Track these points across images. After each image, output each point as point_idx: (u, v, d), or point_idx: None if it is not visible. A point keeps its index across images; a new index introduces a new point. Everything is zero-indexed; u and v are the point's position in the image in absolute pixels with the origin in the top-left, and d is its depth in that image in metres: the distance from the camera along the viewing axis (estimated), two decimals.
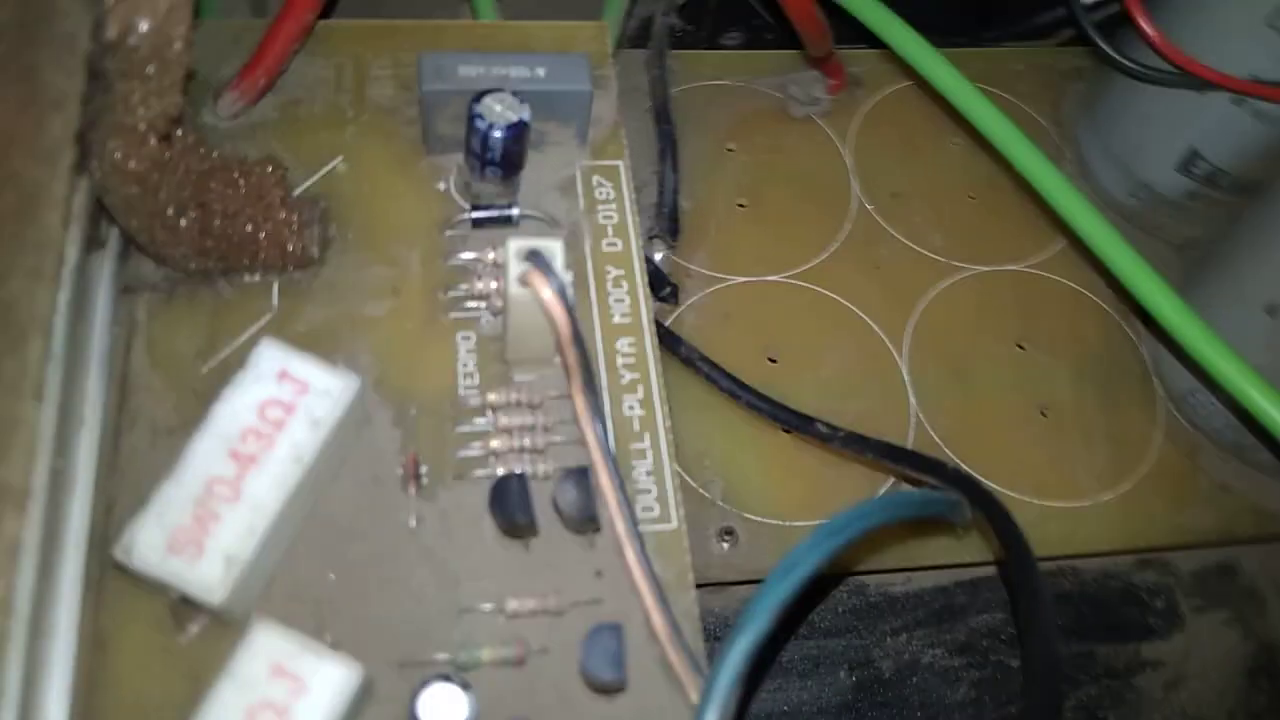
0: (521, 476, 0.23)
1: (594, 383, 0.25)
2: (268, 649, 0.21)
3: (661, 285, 0.35)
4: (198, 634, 0.22)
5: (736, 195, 0.38)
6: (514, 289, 0.23)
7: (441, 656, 0.23)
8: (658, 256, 0.37)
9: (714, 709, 0.19)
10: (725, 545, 0.32)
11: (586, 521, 0.24)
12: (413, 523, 0.24)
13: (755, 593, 0.21)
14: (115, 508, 0.23)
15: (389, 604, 0.23)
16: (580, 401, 0.24)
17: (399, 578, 0.24)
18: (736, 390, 0.33)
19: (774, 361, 0.35)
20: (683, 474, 0.33)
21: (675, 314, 0.36)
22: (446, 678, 0.21)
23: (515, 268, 0.23)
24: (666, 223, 0.36)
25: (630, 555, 0.24)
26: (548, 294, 0.23)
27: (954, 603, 0.35)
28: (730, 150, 0.39)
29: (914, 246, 0.38)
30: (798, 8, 0.31)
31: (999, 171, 0.39)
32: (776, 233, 0.38)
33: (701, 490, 0.33)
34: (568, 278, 0.24)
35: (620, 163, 0.30)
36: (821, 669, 0.34)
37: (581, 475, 0.23)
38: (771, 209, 0.38)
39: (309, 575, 0.23)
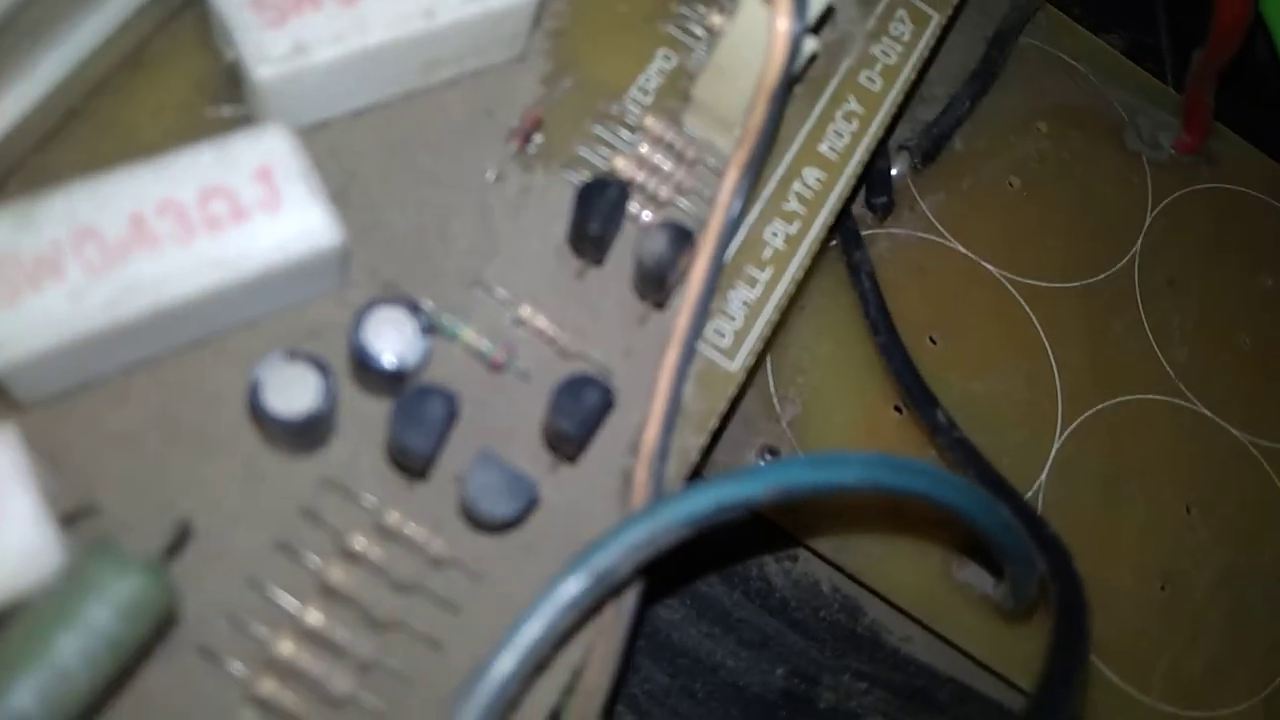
0: (625, 188, 0.20)
1: (758, 167, 0.21)
2: (269, 148, 0.18)
3: (881, 191, 0.31)
4: None
5: (1013, 171, 0.33)
6: (751, 2, 0.19)
7: (427, 304, 0.20)
8: (895, 170, 0.32)
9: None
10: (762, 462, 0.28)
11: (655, 284, 0.20)
12: (491, 176, 0.21)
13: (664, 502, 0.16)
14: None
15: (414, 227, 0.20)
16: (734, 174, 0.20)
17: (441, 213, 0.21)
18: (883, 331, 0.28)
19: (934, 343, 0.31)
20: (770, 371, 0.29)
21: (871, 231, 0.31)
22: (415, 309, 0.18)
23: None
24: (928, 143, 0.32)
25: (670, 357, 0.20)
26: (783, 25, 0.19)
27: (936, 695, 0.30)
28: (1038, 128, 0.34)
29: (1149, 338, 0.33)
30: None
31: None
32: (1024, 229, 0.33)
33: (775, 399, 0.29)
34: (810, 39, 0.20)
35: (936, 16, 0.26)
36: (763, 653, 0.29)
37: (682, 235, 0.20)
38: (1039, 206, 0.33)
39: (358, 142, 0.21)
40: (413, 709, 0.17)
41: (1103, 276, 0.33)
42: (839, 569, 0.29)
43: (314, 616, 0.17)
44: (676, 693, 0.29)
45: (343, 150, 0.21)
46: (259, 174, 0.18)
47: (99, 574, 0.14)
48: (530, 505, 0.17)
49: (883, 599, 0.29)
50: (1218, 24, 0.28)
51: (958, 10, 0.26)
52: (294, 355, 0.17)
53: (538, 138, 0.22)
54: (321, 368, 0.17)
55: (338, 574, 0.18)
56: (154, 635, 0.15)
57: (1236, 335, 0.34)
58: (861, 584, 0.29)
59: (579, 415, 0.18)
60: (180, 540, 0.16)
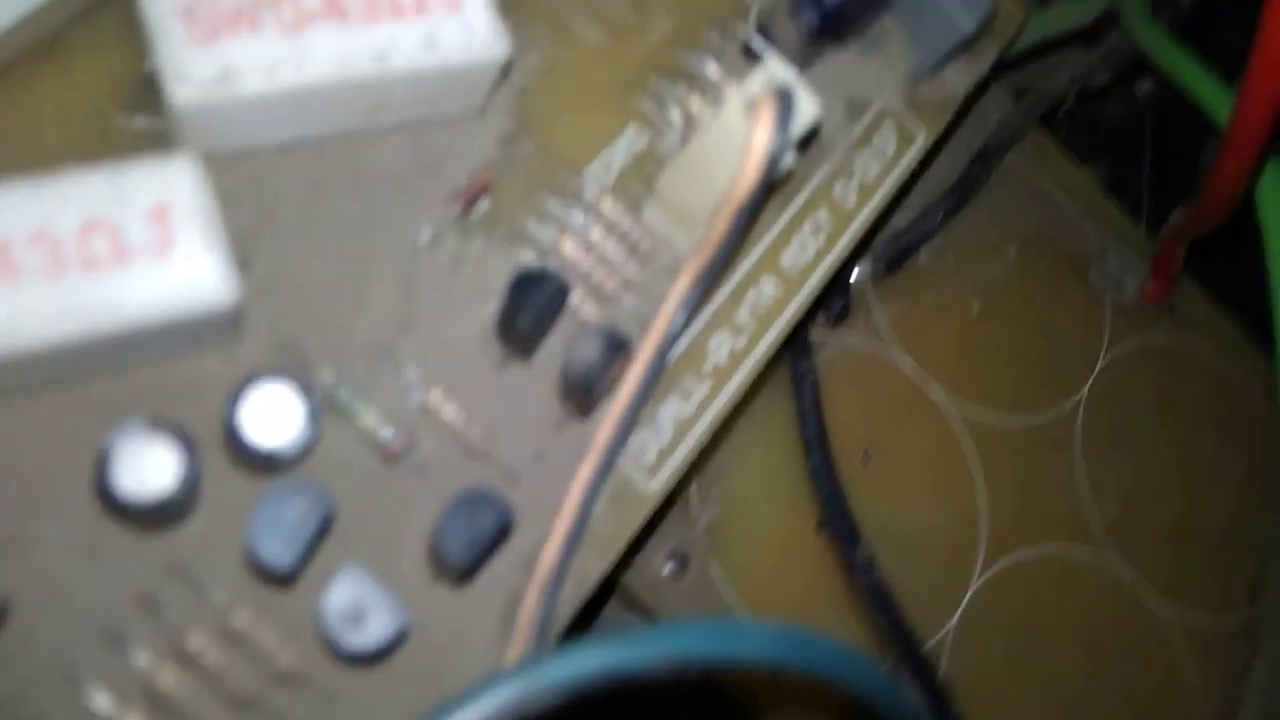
0: (565, 287, 0.18)
1: (712, 280, 0.19)
2: (170, 183, 0.16)
3: (838, 295, 0.29)
4: None
5: (976, 293, 0.32)
6: (732, 105, 0.18)
7: (327, 373, 0.18)
8: (855, 274, 0.31)
9: None
10: (666, 569, 0.27)
11: (581, 392, 0.18)
12: (425, 238, 0.19)
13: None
14: None
15: (327, 282, 0.18)
16: (684, 283, 0.19)
17: (360, 272, 0.19)
18: (816, 454, 0.27)
19: (867, 461, 0.29)
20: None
21: (821, 340, 0.30)
22: (307, 390, 0.16)
23: (754, 86, 0.18)
24: (894, 252, 0.31)
25: (585, 471, 0.18)
26: (761, 139, 0.17)
27: None
28: (1007, 252, 0.33)
29: (1084, 489, 0.32)
30: (1241, 149, 0.24)
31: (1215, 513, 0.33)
32: (977, 356, 0.32)
33: (693, 498, 0.27)
34: (789, 153, 0.18)
35: (923, 136, 0.24)
36: None
37: (617, 345, 0.18)
38: (995, 334, 0.32)
39: (281, 177, 0.19)
40: None
41: (1046, 417, 0.32)
42: None
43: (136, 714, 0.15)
44: None
45: (263, 183, 0.19)
46: (153, 212, 0.15)
47: None
48: (396, 640, 0.15)
49: None
50: (1203, 203, 0.27)
51: (947, 131, 0.25)
52: (156, 425, 0.15)
53: (484, 203, 0.20)
54: (186, 443, 0.15)
55: (167, 678, 0.15)
56: None
57: (1172, 499, 0.33)
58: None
59: (470, 540, 0.16)
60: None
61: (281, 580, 0.16)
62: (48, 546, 0.16)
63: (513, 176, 0.20)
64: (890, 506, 0.29)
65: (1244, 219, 0.30)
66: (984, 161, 0.32)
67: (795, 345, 0.28)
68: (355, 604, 0.15)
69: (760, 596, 0.27)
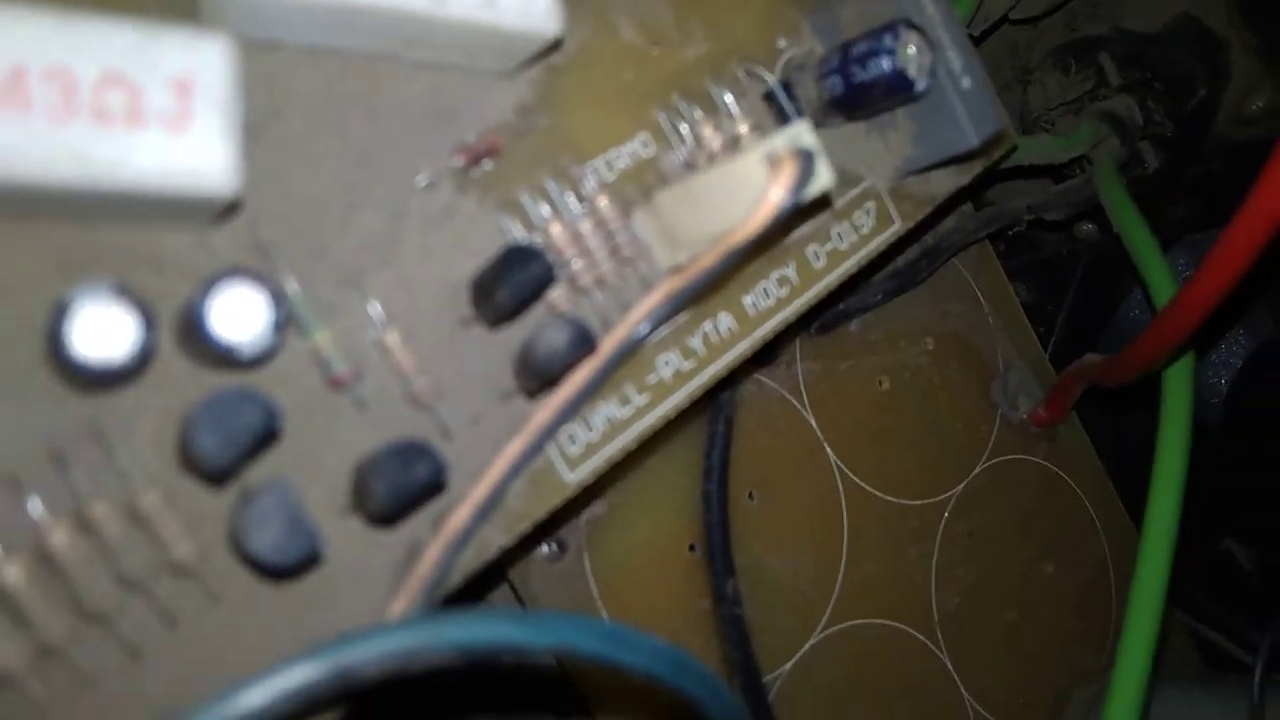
0: (551, 273, 0.18)
1: (684, 304, 0.20)
2: (202, 60, 0.15)
3: (775, 344, 0.30)
4: None
5: (888, 372, 0.34)
6: (755, 152, 0.18)
7: (293, 288, 0.17)
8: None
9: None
10: (545, 549, 0.27)
11: (536, 375, 0.18)
12: (422, 181, 0.19)
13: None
14: None
15: (317, 197, 0.18)
16: (658, 297, 0.19)
17: (352, 195, 0.18)
18: (714, 480, 0.28)
19: (752, 500, 0.30)
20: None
21: (743, 372, 0.31)
22: (279, 300, 0.16)
23: (780, 141, 0.18)
24: (829, 317, 0.32)
25: (515, 446, 0.19)
26: (776, 195, 0.18)
27: None
28: (926, 344, 0.35)
29: (931, 578, 0.33)
30: (1175, 323, 0.25)
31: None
32: (873, 431, 0.33)
33: (588, 498, 0.28)
34: (786, 212, 0.19)
35: (898, 224, 0.25)
36: None
37: (585, 340, 0.18)
38: (894, 415, 0.34)
39: (300, 80, 0.18)
40: (73, 711, 0.15)
41: (917, 504, 0.34)
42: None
43: (12, 573, 0.15)
44: None
45: (279, 82, 0.18)
46: (178, 84, 0.15)
47: None
48: (304, 565, 0.15)
49: None
50: (1119, 361, 0.29)
51: (919, 227, 0.26)
52: (122, 292, 0.15)
53: (486, 164, 0.20)
54: (147, 316, 0.15)
55: (60, 537, 0.15)
56: None
57: (1006, 608, 0.35)
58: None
59: (400, 487, 0.16)
60: None
61: (210, 477, 0.15)
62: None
63: (521, 147, 0.20)
64: (762, 546, 0.30)
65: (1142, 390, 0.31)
66: (932, 258, 0.33)
67: (724, 381, 0.28)
68: (273, 516, 0.15)
69: (622, 598, 0.27)
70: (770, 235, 0.21)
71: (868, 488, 0.33)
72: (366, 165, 0.19)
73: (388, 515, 0.17)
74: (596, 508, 0.28)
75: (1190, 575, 0.42)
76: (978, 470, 0.35)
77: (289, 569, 0.15)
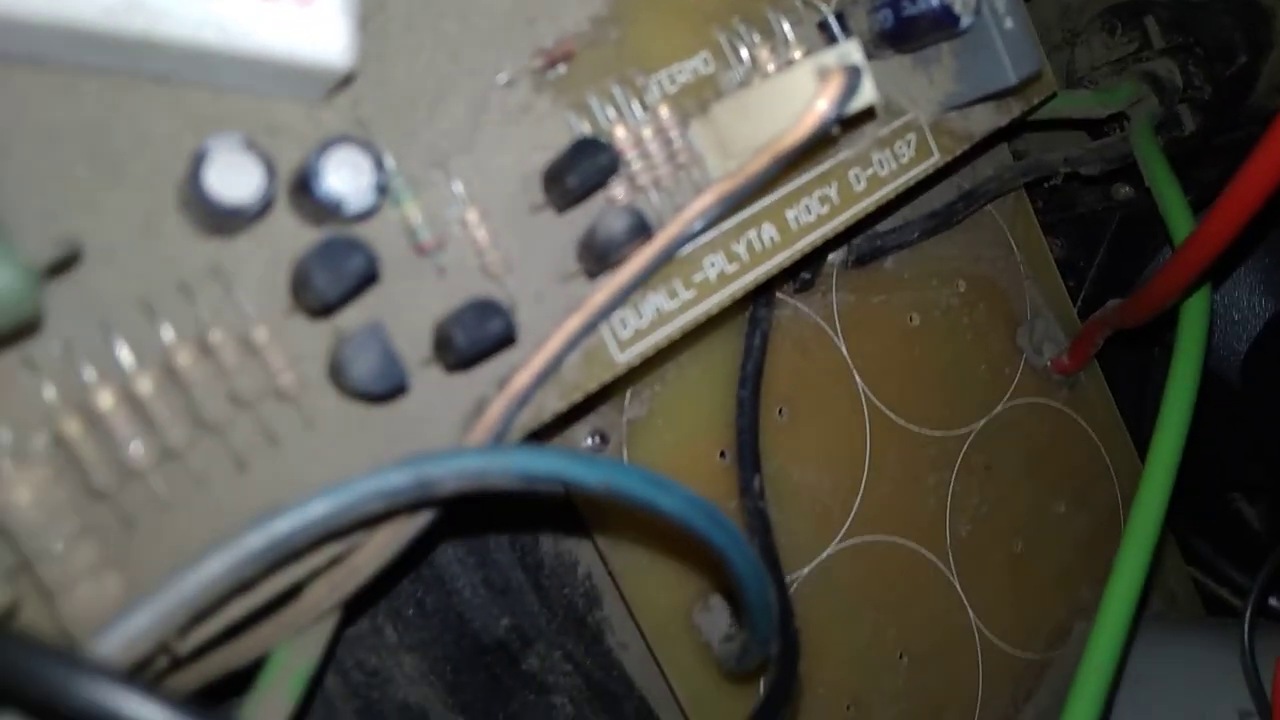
0: (617, 163, 0.20)
1: (733, 205, 0.22)
2: None
3: (808, 271, 0.32)
4: None
5: (919, 309, 0.36)
6: (805, 66, 0.20)
7: (389, 161, 0.20)
8: (830, 255, 0.34)
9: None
10: (588, 441, 0.29)
11: (597, 257, 0.21)
12: (503, 79, 0.21)
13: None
14: None
15: (413, 84, 0.20)
16: (710, 198, 0.21)
17: (442, 85, 0.21)
18: (748, 386, 0.30)
19: (781, 415, 0.32)
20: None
21: (782, 297, 0.33)
22: (380, 165, 0.18)
23: (829, 58, 0.20)
24: (867, 250, 0.34)
25: (574, 321, 0.21)
26: (823, 105, 0.20)
27: (623, 705, 0.32)
28: (958, 285, 0.37)
29: (946, 504, 0.36)
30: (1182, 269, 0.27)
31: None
32: (901, 363, 0.35)
33: (628, 393, 0.30)
34: (830, 122, 0.21)
35: (936, 157, 0.27)
36: (499, 599, 0.31)
37: (642, 227, 0.21)
38: (922, 350, 0.36)
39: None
40: (191, 511, 0.18)
41: (938, 434, 0.36)
42: (601, 558, 0.30)
43: (144, 385, 0.17)
44: (406, 597, 0.30)
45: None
46: None
47: None
48: (394, 393, 0.18)
49: (624, 602, 0.30)
50: (1137, 300, 0.31)
51: (954, 162, 0.28)
52: (251, 145, 0.17)
53: (561, 68, 0.22)
54: (270, 168, 0.17)
55: (185, 358, 0.18)
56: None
57: (1015, 539, 0.37)
58: (614, 580, 0.30)
59: (477, 336, 0.18)
60: (67, 262, 0.16)
61: (319, 309, 0.18)
62: (117, 215, 0.17)
63: (593, 54, 0.22)
64: (787, 459, 0.32)
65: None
66: (969, 201, 0.35)
67: (760, 294, 0.31)
68: (370, 347, 0.17)
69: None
70: (814, 146, 0.23)
71: (891, 415, 0.35)
72: (456, 61, 0.21)
73: (464, 360, 0.19)
74: (637, 409, 0.30)
75: (1199, 530, 0.44)
76: (999, 409, 0.37)
77: (381, 394, 0.18)
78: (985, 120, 0.28)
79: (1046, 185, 0.39)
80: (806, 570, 0.32)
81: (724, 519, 0.19)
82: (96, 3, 0.15)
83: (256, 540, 0.15)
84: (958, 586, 0.36)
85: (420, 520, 0.19)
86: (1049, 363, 0.38)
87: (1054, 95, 0.30)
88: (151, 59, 0.17)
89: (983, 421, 0.37)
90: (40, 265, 0.14)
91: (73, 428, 0.17)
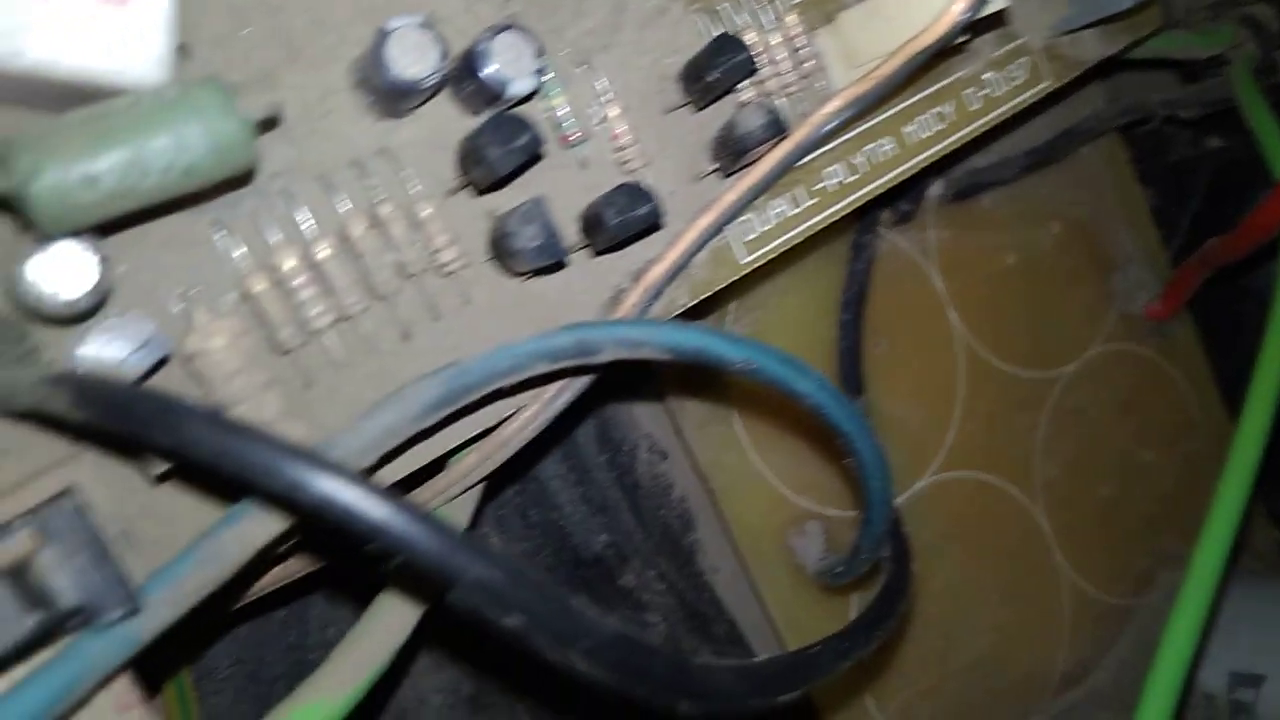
0: (752, 59, 0.22)
1: (863, 109, 0.23)
2: None
3: (911, 199, 0.33)
4: None
5: (1015, 249, 0.36)
6: None
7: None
8: (930, 190, 0.35)
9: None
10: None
11: (732, 154, 0.22)
12: None
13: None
14: None
15: None
16: (839, 102, 0.22)
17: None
18: (851, 310, 0.31)
19: (877, 345, 0.33)
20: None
21: (883, 228, 0.34)
22: (540, 53, 0.19)
23: None
24: (966, 185, 0.35)
25: (708, 218, 0.22)
26: (958, 8, 0.21)
27: (713, 626, 0.33)
28: (1052, 226, 0.37)
29: (1035, 444, 0.36)
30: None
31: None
32: (994, 301, 0.36)
33: (730, 317, 0.31)
34: (965, 21, 0.22)
35: (1048, 81, 0.28)
36: (598, 517, 0.32)
37: (777, 127, 0.22)
38: (1016, 291, 0.37)
39: None
40: (362, 373, 0.19)
41: (1032, 376, 0.37)
42: (702, 478, 0.31)
43: (323, 251, 0.19)
44: (511, 508, 0.32)
45: None
46: None
47: (209, 105, 0.15)
48: (555, 266, 0.19)
49: (722, 522, 0.32)
50: (1239, 233, 0.31)
51: (1066, 88, 0.29)
52: (429, 26, 0.18)
53: None
54: (445, 50, 0.19)
55: (358, 229, 0.19)
56: (217, 186, 0.16)
57: (1103, 485, 0.38)
58: (713, 500, 0.31)
59: (627, 217, 0.20)
60: (271, 123, 0.17)
61: (481, 185, 0.19)
62: (295, 90, 0.19)
63: None
64: (882, 388, 0.33)
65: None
66: (1067, 139, 0.36)
67: (864, 220, 0.32)
68: (534, 224, 0.19)
69: (753, 408, 0.31)
70: (936, 58, 0.24)
71: (984, 353, 0.36)
72: None
73: (612, 241, 0.20)
74: (740, 329, 0.31)
75: None
76: (1090, 354, 0.38)
77: (543, 265, 0.19)
78: (1094, 48, 0.29)
79: (1141, 130, 0.39)
80: (899, 500, 0.33)
81: (853, 406, 0.21)
82: None
83: (458, 377, 0.17)
84: (1045, 526, 0.37)
85: (560, 402, 0.21)
86: (1142, 310, 0.39)
87: (1159, 30, 0.31)
88: None
89: (1074, 365, 0.38)
90: (254, 119, 0.16)
91: (258, 285, 0.18)
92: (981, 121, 0.27)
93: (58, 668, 0.14)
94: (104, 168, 0.14)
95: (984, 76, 0.27)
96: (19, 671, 0.14)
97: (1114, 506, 0.38)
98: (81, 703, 0.15)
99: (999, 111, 0.27)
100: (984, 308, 0.36)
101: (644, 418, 0.32)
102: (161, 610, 0.14)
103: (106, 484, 0.16)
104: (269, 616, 0.29)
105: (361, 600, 0.20)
